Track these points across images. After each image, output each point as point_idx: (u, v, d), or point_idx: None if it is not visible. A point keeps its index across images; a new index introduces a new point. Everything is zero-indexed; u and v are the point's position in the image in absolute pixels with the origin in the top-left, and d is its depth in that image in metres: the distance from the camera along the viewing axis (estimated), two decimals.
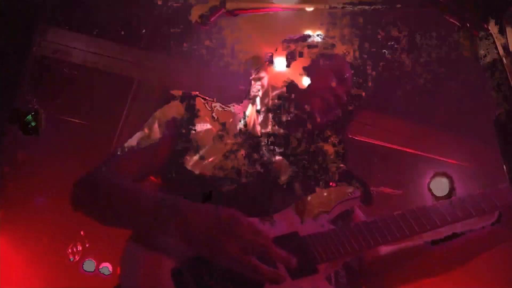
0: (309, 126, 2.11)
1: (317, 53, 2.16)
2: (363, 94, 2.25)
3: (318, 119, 2.09)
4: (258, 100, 2.09)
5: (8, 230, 5.21)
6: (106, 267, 6.03)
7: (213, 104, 2.08)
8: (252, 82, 2.16)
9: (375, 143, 5.14)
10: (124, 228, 1.77)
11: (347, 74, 2.16)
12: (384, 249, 2.06)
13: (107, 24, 4.19)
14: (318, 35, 2.24)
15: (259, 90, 2.12)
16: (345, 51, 2.21)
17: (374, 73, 2.27)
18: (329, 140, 2.13)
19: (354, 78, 2.20)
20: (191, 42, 4.17)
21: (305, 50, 2.16)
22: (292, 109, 2.09)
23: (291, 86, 2.10)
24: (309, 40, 2.20)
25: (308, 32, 2.26)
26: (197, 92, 2.10)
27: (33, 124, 1.67)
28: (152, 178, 2.00)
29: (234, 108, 2.13)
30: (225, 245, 1.55)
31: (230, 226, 1.57)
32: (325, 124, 2.13)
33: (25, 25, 1.54)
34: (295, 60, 2.14)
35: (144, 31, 3.95)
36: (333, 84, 2.11)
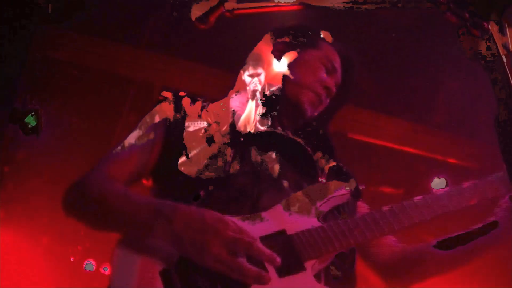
0: (300, 120, 2.12)
1: (305, 44, 2.15)
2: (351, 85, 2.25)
3: (309, 113, 2.10)
4: (258, 94, 2.09)
5: (8, 230, 5.20)
6: (106, 268, 6.04)
7: (202, 104, 2.08)
8: (248, 77, 2.15)
9: (375, 142, 5.14)
10: (113, 232, 1.78)
11: (336, 65, 2.16)
12: (384, 253, 2.07)
13: (107, 24, 4.19)
14: (305, 27, 2.23)
15: (257, 85, 2.11)
16: (333, 40, 2.21)
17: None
18: (318, 136, 2.13)
19: (343, 68, 2.20)
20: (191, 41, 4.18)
21: (293, 41, 2.16)
22: (282, 104, 2.09)
23: (283, 80, 2.10)
24: (296, 30, 2.20)
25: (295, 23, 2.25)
26: (184, 93, 2.10)
27: (33, 124, 1.67)
28: (143, 181, 2.02)
29: (230, 104, 2.12)
30: (209, 246, 1.57)
31: (214, 227, 1.59)
32: (315, 117, 2.14)
33: (25, 25, 1.54)
34: (283, 52, 2.14)
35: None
36: (323, 76, 2.11)
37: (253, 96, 2.09)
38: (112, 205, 1.77)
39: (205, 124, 2.02)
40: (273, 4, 1.50)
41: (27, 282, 5.39)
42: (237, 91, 2.14)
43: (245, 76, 2.15)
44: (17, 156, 4.86)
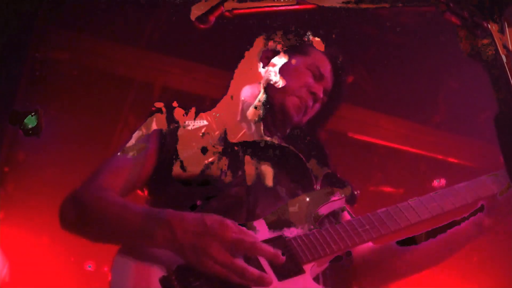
0: (287, 126, 2.15)
1: (293, 51, 2.18)
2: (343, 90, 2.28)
3: (295, 118, 2.12)
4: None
5: (8, 231, 5.21)
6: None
7: (194, 114, 2.10)
8: (266, 61, 2.18)
9: (375, 142, 5.14)
10: (113, 243, 1.78)
11: (325, 72, 2.17)
12: (368, 248, 2.08)
13: (107, 24, 4.19)
14: (296, 32, 2.25)
15: (271, 75, 2.14)
16: (325, 47, 2.23)
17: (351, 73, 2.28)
18: (311, 143, 2.16)
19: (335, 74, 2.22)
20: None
21: (281, 49, 2.19)
22: (269, 111, 2.13)
23: (269, 86, 2.13)
24: (286, 38, 2.22)
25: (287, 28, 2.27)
26: (177, 104, 2.11)
27: (33, 124, 1.67)
28: (138, 191, 2.03)
29: (241, 94, 2.15)
30: (210, 249, 1.57)
31: (215, 230, 1.60)
32: (305, 123, 2.16)
33: (25, 25, 1.54)
34: (271, 59, 2.17)
35: None
36: (309, 81, 2.13)
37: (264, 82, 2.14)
38: (111, 216, 1.77)
39: (205, 122, 2.04)
40: (273, 4, 1.50)
41: (27, 282, 5.40)
42: (231, 96, 2.18)
43: (261, 68, 2.18)
44: (17, 156, 4.86)
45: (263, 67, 2.17)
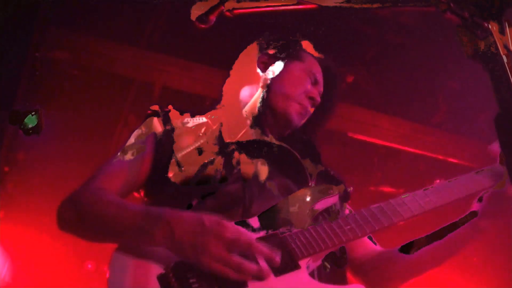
0: (287, 129, 2.17)
1: (289, 56, 2.20)
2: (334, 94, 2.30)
3: (296, 123, 2.15)
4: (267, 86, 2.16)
5: (8, 230, 5.21)
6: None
7: (190, 117, 2.12)
8: (262, 66, 2.19)
9: (375, 142, 5.14)
10: (112, 242, 1.79)
11: (319, 76, 2.20)
12: (367, 250, 2.09)
13: (107, 24, 4.19)
14: (288, 38, 2.27)
15: (269, 75, 2.16)
16: (318, 54, 2.25)
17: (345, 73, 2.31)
18: (305, 143, 2.18)
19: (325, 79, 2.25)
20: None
21: (277, 54, 2.20)
22: (269, 114, 2.15)
23: (268, 91, 2.15)
24: (280, 42, 2.24)
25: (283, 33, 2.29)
26: (171, 106, 2.13)
27: (33, 124, 1.67)
28: (135, 194, 2.04)
29: (240, 94, 2.17)
30: (209, 246, 1.59)
31: (213, 230, 1.61)
32: (300, 127, 2.18)
33: (25, 25, 1.54)
34: (268, 64, 2.19)
35: None
36: (308, 87, 2.16)
37: (264, 85, 2.14)
38: (109, 215, 1.78)
39: (203, 119, 2.06)
40: (273, 4, 1.50)
41: (27, 281, 5.40)
42: (223, 105, 2.20)
43: (258, 71, 2.21)
44: (17, 156, 4.86)
45: (261, 71, 2.19)
